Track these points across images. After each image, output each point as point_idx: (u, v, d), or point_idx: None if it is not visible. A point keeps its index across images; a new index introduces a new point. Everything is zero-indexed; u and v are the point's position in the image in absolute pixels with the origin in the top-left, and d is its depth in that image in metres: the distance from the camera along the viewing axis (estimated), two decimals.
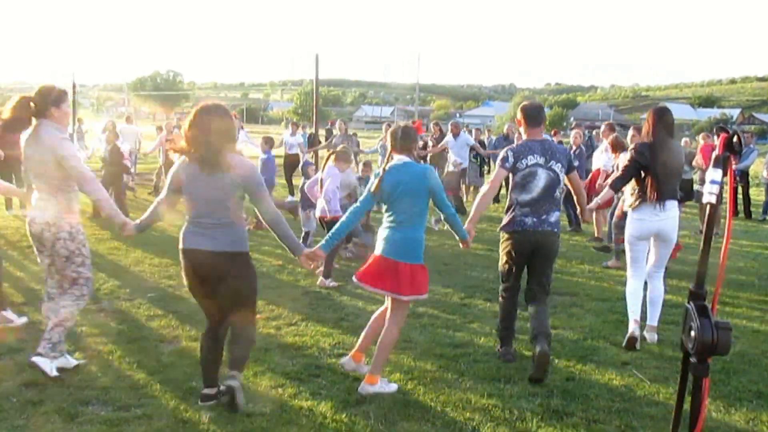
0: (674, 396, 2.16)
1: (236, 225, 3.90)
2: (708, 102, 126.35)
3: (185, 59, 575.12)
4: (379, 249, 4.35)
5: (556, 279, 7.69)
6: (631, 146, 5.70)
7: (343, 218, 4.43)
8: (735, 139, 1.89)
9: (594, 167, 10.21)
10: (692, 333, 1.84)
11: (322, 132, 21.61)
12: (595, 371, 4.82)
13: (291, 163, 15.09)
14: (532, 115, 4.98)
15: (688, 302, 1.90)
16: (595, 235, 10.21)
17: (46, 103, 4.29)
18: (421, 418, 3.96)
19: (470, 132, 17.31)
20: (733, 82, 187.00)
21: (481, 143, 17.05)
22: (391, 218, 4.30)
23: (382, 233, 4.35)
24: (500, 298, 5.14)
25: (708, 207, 1.92)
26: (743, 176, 14.15)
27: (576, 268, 8.48)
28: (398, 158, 4.32)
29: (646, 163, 5.27)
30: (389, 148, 4.38)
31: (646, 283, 5.60)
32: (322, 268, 7.19)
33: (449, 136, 13.97)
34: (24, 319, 5.48)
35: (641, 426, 3.92)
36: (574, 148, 11.80)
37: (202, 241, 3.83)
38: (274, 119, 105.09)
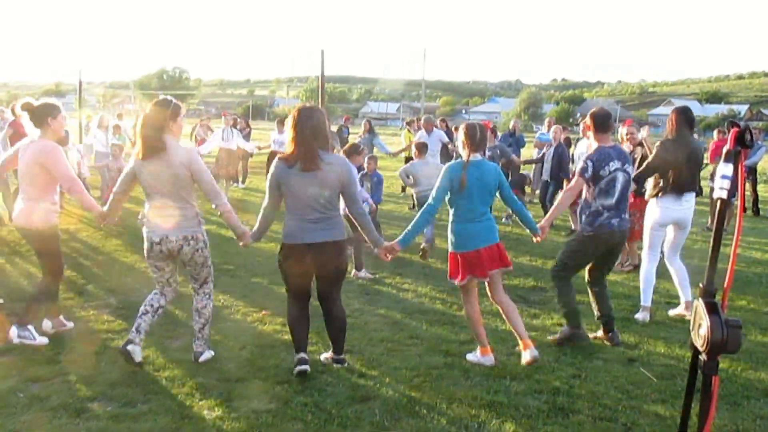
0: (682, 394, 2.14)
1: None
2: (715, 98, 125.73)
3: (191, 56, 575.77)
4: (478, 242, 4.70)
5: None
6: (657, 142, 6.10)
7: (419, 216, 4.82)
8: (747, 134, 1.87)
9: None
10: (702, 331, 1.83)
11: (332, 128, 21.56)
12: (601, 368, 4.79)
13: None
14: (602, 122, 5.24)
15: (698, 299, 1.88)
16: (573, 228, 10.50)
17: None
18: (426, 414, 3.96)
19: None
20: (740, 77, 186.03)
21: None
22: (473, 211, 4.67)
23: (467, 227, 4.70)
24: (560, 283, 5.34)
25: (719, 202, 1.90)
26: (751, 173, 14.07)
27: None
28: (474, 156, 4.66)
29: (671, 158, 5.78)
30: (468, 146, 4.68)
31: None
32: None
33: (422, 132, 13.83)
34: (71, 324, 5.41)
35: (648, 424, 3.90)
36: (554, 144, 11.75)
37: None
38: (280, 116, 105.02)
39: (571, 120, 76.28)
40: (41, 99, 5.22)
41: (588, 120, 5.31)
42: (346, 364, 4.63)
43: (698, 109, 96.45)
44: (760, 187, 14.48)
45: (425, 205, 4.78)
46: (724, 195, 1.87)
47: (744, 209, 13.99)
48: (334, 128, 20.15)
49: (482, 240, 4.71)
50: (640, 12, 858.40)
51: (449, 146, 13.95)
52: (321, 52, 18.47)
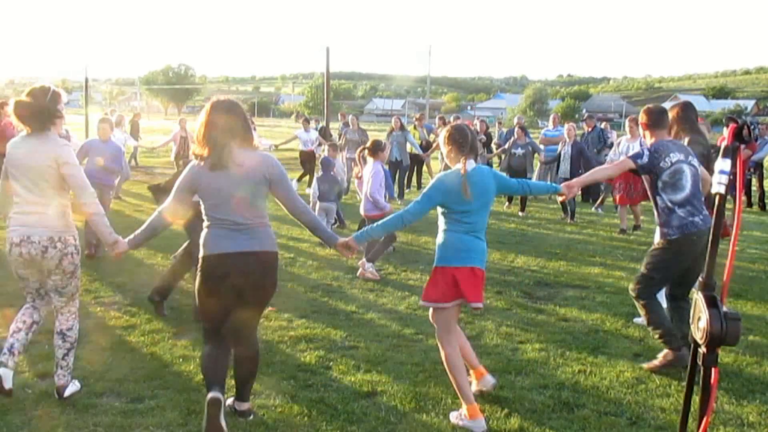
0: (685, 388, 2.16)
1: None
2: (722, 93, 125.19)
3: (197, 53, 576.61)
4: (473, 260, 3.90)
5: (568, 272, 7.70)
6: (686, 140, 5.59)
7: (390, 219, 4.06)
8: (745, 130, 1.89)
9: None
10: (701, 323, 1.85)
11: (334, 126, 21.58)
12: (606, 364, 4.81)
13: (308, 159, 15.15)
14: (657, 118, 4.85)
15: (697, 293, 1.90)
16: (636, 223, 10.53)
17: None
18: (431, 409, 3.98)
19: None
20: (747, 72, 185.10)
21: (488, 136, 17.01)
22: (473, 225, 3.89)
23: (470, 241, 3.90)
24: (647, 301, 4.77)
25: (717, 197, 1.91)
26: (757, 168, 14.04)
27: (587, 260, 8.46)
28: (470, 162, 3.86)
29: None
30: (464, 151, 3.87)
31: None
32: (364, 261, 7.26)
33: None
34: None
35: (652, 418, 3.92)
36: (568, 140, 11.77)
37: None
38: (285, 113, 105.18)
39: (576, 116, 76.05)
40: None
41: (642, 117, 4.92)
42: (251, 417, 3.82)
43: (705, 105, 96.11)
44: (765, 183, 14.42)
45: (402, 211, 3.97)
46: (722, 190, 1.89)
47: (750, 204, 13.96)
48: (338, 125, 20.20)
49: (479, 260, 3.93)
50: (646, 7, 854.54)
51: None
52: (326, 49, 18.52)
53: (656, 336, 4.74)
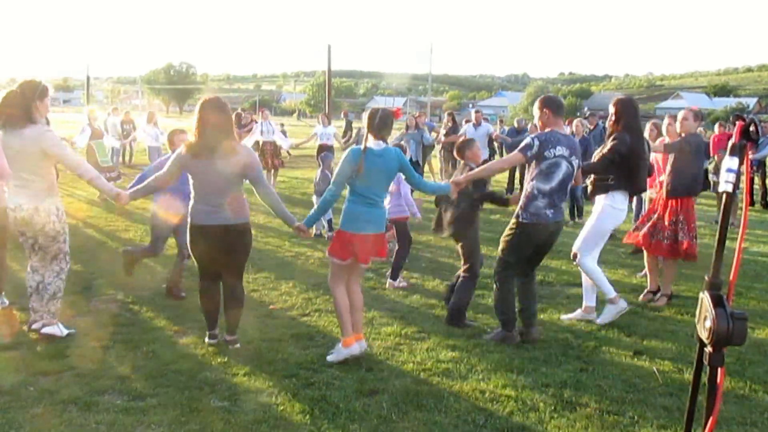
0: (689, 387, 2.14)
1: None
2: (724, 91, 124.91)
3: (198, 51, 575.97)
4: (371, 226, 4.62)
5: (569, 271, 7.68)
6: (613, 136, 5.64)
7: (321, 200, 4.80)
8: (752, 127, 1.87)
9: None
10: (707, 323, 1.83)
11: (337, 123, 21.56)
12: (608, 362, 4.80)
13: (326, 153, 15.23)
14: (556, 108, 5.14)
15: (703, 292, 1.88)
16: None
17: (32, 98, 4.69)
18: (434, 408, 3.97)
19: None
20: (749, 70, 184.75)
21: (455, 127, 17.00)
22: (372, 196, 4.61)
23: (367, 210, 4.60)
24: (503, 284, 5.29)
25: (724, 195, 1.90)
26: (761, 166, 14.00)
27: None
28: (375, 143, 4.59)
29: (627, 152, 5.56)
30: (366, 131, 4.64)
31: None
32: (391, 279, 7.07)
33: (469, 125, 13.99)
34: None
35: (655, 417, 3.91)
36: (577, 137, 11.77)
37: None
38: (286, 110, 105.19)
39: (578, 114, 75.95)
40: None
41: (539, 104, 5.18)
42: (237, 346, 4.87)
43: (707, 103, 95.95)
44: None
45: (327, 192, 4.72)
46: (730, 188, 1.87)
47: (752, 202, 13.93)
48: (340, 123, 20.22)
49: (377, 226, 4.68)
50: (648, 4, 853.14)
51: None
52: (328, 47, 18.54)
53: (499, 315, 5.27)
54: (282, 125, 19.61)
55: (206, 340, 4.94)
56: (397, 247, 6.98)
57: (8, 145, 4.51)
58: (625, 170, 5.52)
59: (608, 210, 5.65)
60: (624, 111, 5.60)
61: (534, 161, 5.01)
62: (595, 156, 5.80)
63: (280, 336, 5.19)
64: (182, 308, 5.83)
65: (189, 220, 4.72)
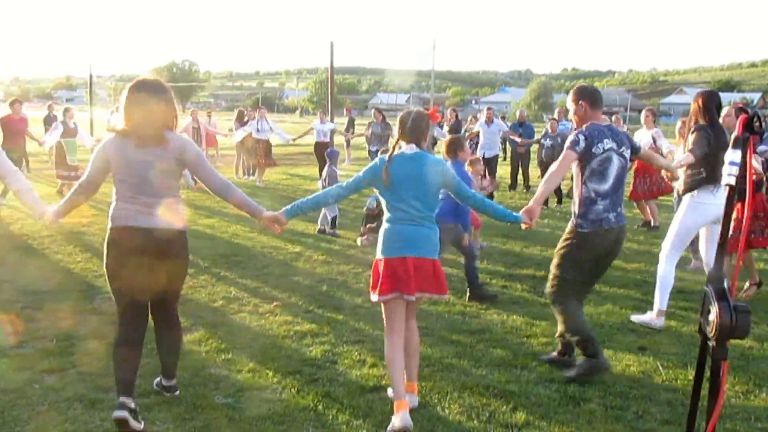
0: (693, 382, 2.14)
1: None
2: (728, 86, 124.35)
3: (201, 49, 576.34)
4: (410, 249, 3.77)
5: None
6: (693, 130, 5.46)
7: (318, 193, 4.14)
8: (755, 120, 1.87)
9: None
10: (711, 316, 1.83)
11: (339, 120, 21.56)
12: (612, 357, 4.79)
13: (323, 150, 15.23)
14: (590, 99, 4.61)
15: (707, 285, 1.88)
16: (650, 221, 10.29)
17: None
18: (437, 403, 3.98)
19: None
20: (753, 65, 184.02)
21: (458, 124, 16.99)
22: (409, 210, 3.81)
23: (403, 229, 3.80)
24: (562, 305, 4.50)
25: (728, 188, 1.89)
26: (765, 162, 13.94)
27: None
28: (408, 147, 3.85)
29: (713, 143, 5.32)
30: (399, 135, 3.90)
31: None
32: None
33: (480, 124, 13.98)
34: None
35: (659, 412, 3.91)
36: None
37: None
38: (289, 108, 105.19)
39: None
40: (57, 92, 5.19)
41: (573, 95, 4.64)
42: (177, 393, 4.00)
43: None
44: None
45: (337, 185, 4.09)
46: (733, 181, 1.87)
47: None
48: (343, 120, 20.22)
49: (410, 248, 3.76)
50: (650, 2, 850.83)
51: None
52: (330, 44, 18.48)
53: (574, 341, 4.44)
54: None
55: (115, 413, 3.49)
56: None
57: None
58: (710, 164, 5.27)
59: (693, 205, 5.45)
60: (709, 104, 5.44)
61: (582, 161, 4.40)
62: (683, 150, 5.53)
63: (283, 333, 5.19)
64: (185, 306, 5.84)
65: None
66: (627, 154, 4.49)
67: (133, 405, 3.52)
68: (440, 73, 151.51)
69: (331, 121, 18.80)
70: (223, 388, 4.15)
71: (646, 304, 6.14)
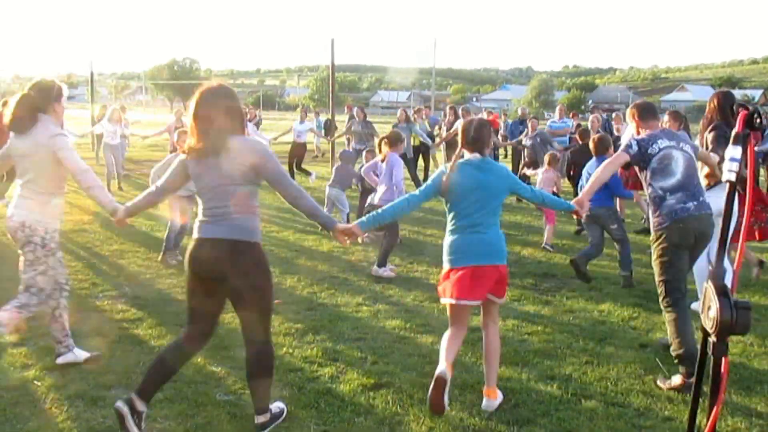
0: (694, 378, 2.14)
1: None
2: (729, 83, 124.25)
3: (202, 47, 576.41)
4: (471, 258, 3.84)
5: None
6: (711, 128, 5.47)
7: (393, 204, 4.08)
8: (756, 116, 1.87)
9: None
10: (711, 313, 1.83)
11: (341, 118, 21.54)
12: (613, 355, 4.80)
13: (299, 151, 15.08)
14: (645, 111, 4.74)
15: (707, 281, 1.88)
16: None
17: (48, 99, 4.24)
18: None
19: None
20: (754, 62, 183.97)
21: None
22: (471, 220, 3.89)
23: (464, 238, 3.89)
24: (674, 313, 4.37)
25: (727, 185, 1.90)
26: (766, 158, 13.93)
27: None
28: (473, 155, 3.92)
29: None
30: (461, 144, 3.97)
31: None
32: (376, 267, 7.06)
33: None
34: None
35: (660, 409, 3.91)
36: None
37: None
38: (290, 105, 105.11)
39: (582, 107, 75.81)
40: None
41: (632, 111, 4.78)
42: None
43: (711, 95, 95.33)
44: None
45: (409, 195, 4.08)
46: (733, 177, 1.87)
47: None
48: (344, 118, 20.19)
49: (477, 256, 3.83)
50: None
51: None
52: (331, 41, 18.45)
53: (675, 355, 4.30)
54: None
55: (117, 404, 3.42)
56: (385, 235, 7.03)
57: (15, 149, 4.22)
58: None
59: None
60: (724, 103, 5.49)
61: (641, 164, 4.49)
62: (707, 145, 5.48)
63: (284, 330, 5.20)
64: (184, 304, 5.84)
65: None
66: (688, 149, 4.52)
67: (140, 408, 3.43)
68: (441, 71, 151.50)
69: (333, 119, 18.79)
70: (224, 385, 4.16)
71: (647, 302, 6.15)
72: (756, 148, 13.16)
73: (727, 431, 3.66)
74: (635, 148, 4.46)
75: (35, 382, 4.13)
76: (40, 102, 4.19)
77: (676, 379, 4.21)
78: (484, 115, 14.15)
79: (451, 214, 3.93)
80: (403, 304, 5.99)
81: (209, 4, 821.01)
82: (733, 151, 1.85)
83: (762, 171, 14.09)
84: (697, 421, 2.14)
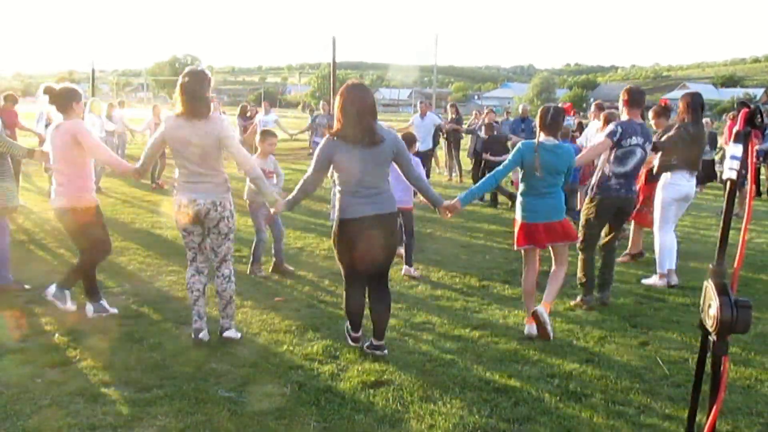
0: (693, 377, 2.14)
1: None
2: (731, 82, 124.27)
3: (203, 44, 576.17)
4: (542, 216, 5.02)
5: (572, 262, 7.66)
6: (676, 125, 6.56)
7: (485, 181, 5.18)
8: (758, 115, 1.86)
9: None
10: (711, 311, 1.83)
11: None
12: (614, 352, 4.80)
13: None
14: (633, 98, 5.93)
15: (707, 280, 1.88)
16: None
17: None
18: (439, 398, 3.98)
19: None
20: (756, 61, 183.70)
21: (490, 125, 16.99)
22: (543, 189, 4.98)
23: (538, 202, 5.00)
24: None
25: (728, 183, 1.89)
26: (767, 157, 13.93)
27: None
28: (546, 139, 4.94)
29: (689, 138, 6.38)
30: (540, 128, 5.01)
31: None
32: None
33: (416, 116, 14.11)
34: (115, 310, 5.48)
35: (660, 407, 3.91)
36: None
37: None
38: (291, 103, 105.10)
39: (584, 105, 75.72)
40: (63, 84, 5.37)
41: (623, 95, 5.94)
42: (386, 352, 4.63)
43: (713, 93, 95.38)
44: None
45: (494, 171, 5.01)
46: (734, 175, 1.87)
47: (758, 193, 13.87)
48: (320, 111, 20.19)
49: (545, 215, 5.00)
50: None
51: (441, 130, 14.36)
52: (333, 39, 18.47)
53: (579, 282, 5.99)
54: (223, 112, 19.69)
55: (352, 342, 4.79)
56: (407, 234, 6.98)
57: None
58: (683, 153, 6.47)
59: (665, 185, 6.68)
60: (692, 104, 6.50)
61: (613, 147, 5.76)
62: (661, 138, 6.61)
63: (285, 328, 5.20)
64: (187, 300, 5.84)
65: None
66: (647, 148, 5.90)
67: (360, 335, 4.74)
68: (442, 69, 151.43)
69: (332, 115, 18.75)
70: (224, 382, 4.16)
71: (647, 300, 6.15)
72: (756, 147, 13.20)
73: (727, 430, 3.66)
74: (618, 135, 5.73)
75: (35, 379, 4.13)
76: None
77: (577, 300, 5.98)
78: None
79: (526, 181, 4.99)
80: (405, 301, 5.99)
81: (210, 1, 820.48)
82: (734, 148, 1.85)
83: (762, 169, 14.11)
84: (697, 420, 2.14)
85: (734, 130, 1.85)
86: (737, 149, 1.84)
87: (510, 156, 5.02)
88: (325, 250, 8.00)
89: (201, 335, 4.79)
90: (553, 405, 3.92)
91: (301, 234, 8.93)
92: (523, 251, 5.19)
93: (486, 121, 13.17)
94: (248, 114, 16.61)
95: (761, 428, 3.70)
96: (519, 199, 5.10)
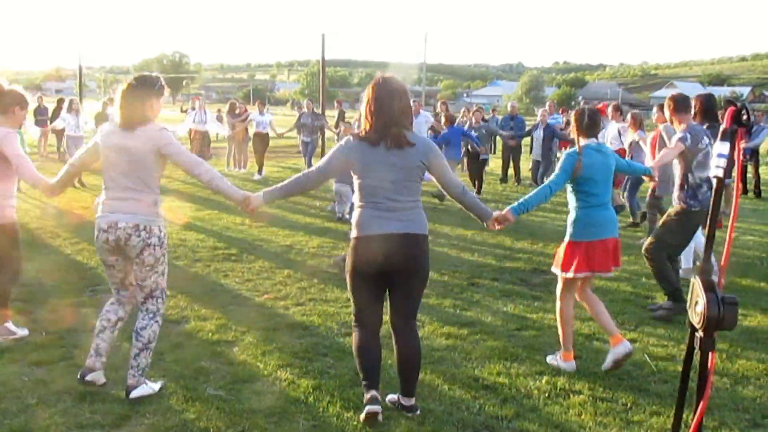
0: (681, 373, 2.15)
1: None
2: (718, 80, 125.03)
3: (191, 41, 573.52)
4: (606, 231, 4.43)
5: None
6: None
7: (537, 192, 4.46)
8: (744, 113, 1.87)
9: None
10: (698, 308, 1.84)
11: (331, 114, 21.48)
12: (602, 350, 4.82)
13: (262, 142, 15.57)
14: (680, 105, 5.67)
15: (695, 277, 1.89)
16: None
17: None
18: (428, 396, 3.98)
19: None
20: (743, 59, 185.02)
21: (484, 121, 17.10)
22: (600, 195, 4.46)
23: (598, 213, 4.43)
24: (658, 263, 5.67)
25: (715, 180, 1.91)
26: (753, 155, 14.03)
27: None
28: (587, 142, 4.44)
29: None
30: (577, 132, 4.50)
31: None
32: None
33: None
34: (25, 332, 4.86)
35: (648, 404, 3.93)
36: (542, 125, 13.29)
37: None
38: (281, 100, 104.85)
39: (572, 103, 76.01)
40: (13, 86, 4.89)
41: (669, 103, 5.68)
42: (418, 412, 3.74)
43: (701, 92, 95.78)
44: (762, 169, 14.45)
45: (548, 182, 4.47)
46: (721, 174, 1.88)
47: (746, 191, 13.97)
48: (333, 113, 20.20)
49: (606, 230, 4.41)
50: None
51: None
52: (322, 36, 18.42)
53: (665, 288, 5.68)
54: (219, 110, 20.17)
55: (367, 408, 3.61)
56: None
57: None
58: None
59: None
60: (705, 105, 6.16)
61: (689, 153, 5.46)
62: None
63: (275, 326, 5.19)
64: (177, 299, 5.82)
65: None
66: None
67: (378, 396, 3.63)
68: (432, 66, 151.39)
69: (322, 113, 18.74)
70: (214, 380, 4.15)
71: (637, 297, 6.19)
72: (743, 145, 13.30)
73: (713, 426, 3.69)
74: (690, 141, 5.43)
75: (22, 377, 4.11)
76: None
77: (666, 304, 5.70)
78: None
79: (581, 194, 4.40)
80: None
81: None
82: (721, 147, 1.86)
83: (749, 167, 14.21)
84: (685, 415, 2.16)
85: (721, 129, 1.87)
86: (724, 147, 1.86)
87: (560, 164, 4.45)
88: (314, 248, 8.00)
89: (90, 377, 3.89)
90: (542, 402, 3.94)
91: (290, 232, 8.92)
92: (568, 278, 4.42)
93: (474, 120, 13.27)
94: (237, 111, 16.55)
95: (747, 424, 3.74)
96: (573, 214, 4.45)
